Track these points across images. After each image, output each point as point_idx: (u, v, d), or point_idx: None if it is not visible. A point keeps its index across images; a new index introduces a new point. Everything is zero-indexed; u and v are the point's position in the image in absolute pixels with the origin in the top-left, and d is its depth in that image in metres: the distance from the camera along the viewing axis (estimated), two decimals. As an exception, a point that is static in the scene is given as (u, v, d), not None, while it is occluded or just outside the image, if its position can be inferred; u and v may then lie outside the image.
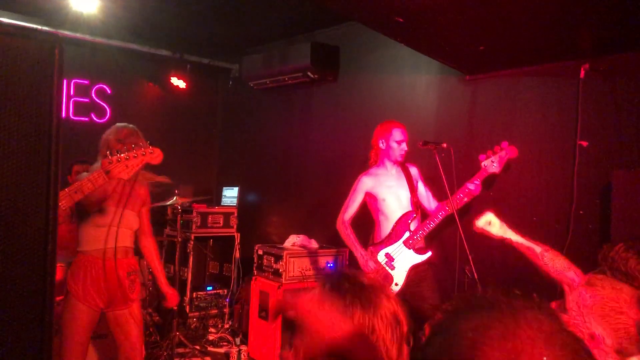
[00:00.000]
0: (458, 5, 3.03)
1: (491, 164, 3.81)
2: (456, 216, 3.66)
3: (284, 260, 4.87)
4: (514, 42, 3.64)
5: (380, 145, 4.04)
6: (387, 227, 4.01)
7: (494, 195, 4.23)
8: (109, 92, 6.39)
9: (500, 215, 4.17)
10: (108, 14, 5.15)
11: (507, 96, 4.26)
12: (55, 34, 1.00)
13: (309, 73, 5.52)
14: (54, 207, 0.96)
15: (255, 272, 5.24)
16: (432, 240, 4.25)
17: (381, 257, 3.94)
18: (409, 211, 3.97)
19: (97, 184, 2.51)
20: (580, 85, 3.78)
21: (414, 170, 4.13)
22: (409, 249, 3.90)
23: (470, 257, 3.54)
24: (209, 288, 6.16)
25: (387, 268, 3.91)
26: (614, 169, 3.41)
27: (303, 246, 5.19)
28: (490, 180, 3.95)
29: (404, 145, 3.98)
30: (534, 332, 0.69)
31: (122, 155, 2.53)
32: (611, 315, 1.93)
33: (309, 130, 6.03)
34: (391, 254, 3.92)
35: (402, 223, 3.95)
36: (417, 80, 4.93)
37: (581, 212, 3.75)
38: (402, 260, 3.90)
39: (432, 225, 3.88)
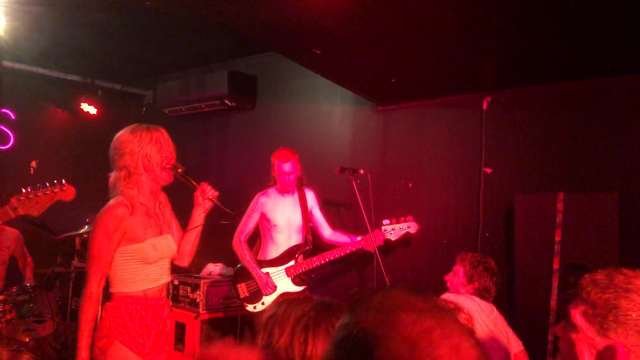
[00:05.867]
0: (371, 40, 3.20)
1: (390, 231, 4.01)
2: (376, 251, 3.79)
3: (202, 289, 4.78)
4: (422, 75, 3.88)
5: (272, 173, 4.09)
6: (272, 250, 4.08)
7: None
8: (13, 117, 6.07)
9: (412, 238, 4.38)
10: (15, 36, 4.93)
11: (417, 126, 4.50)
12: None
13: (226, 101, 5.54)
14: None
15: (170, 303, 5.09)
16: (349, 263, 4.35)
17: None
18: (302, 244, 4.07)
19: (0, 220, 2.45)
20: (483, 116, 4.07)
21: (310, 196, 4.17)
22: (288, 276, 4.01)
23: (387, 279, 3.66)
24: (120, 321, 5.89)
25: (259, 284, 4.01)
26: (516, 193, 3.68)
27: (221, 275, 5.13)
28: (386, 245, 4.11)
29: (285, 178, 3.98)
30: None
31: (31, 191, 2.45)
32: None
33: (226, 158, 6.02)
34: (271, 275, 4.01)
35: (291, 252, 4.04)
36: (333, 110, 5.08)
37: (487, 234, 4.00)
38: (277, 285, 3.99)
39: (318, 264, 3.99)
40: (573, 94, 3.72)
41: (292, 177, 3.99)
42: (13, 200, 2.43)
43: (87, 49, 5.64)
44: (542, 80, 3.77)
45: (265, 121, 5.65)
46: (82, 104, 6.24)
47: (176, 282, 5.07)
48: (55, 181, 2.50)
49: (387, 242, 4.04)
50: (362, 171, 4.01)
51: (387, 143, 4.68)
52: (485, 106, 4.05)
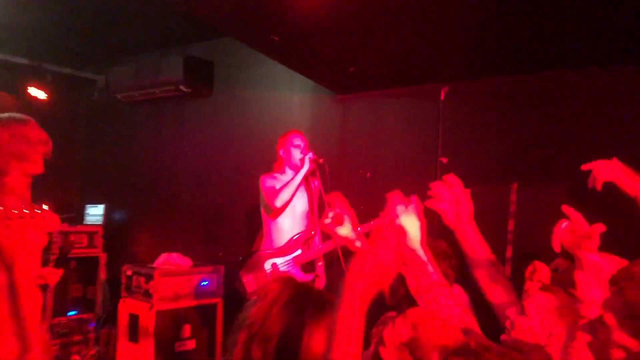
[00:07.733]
0: (330, 28, 3.16)
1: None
2: (337, 246, 3.73)
3: (155, 280, 4.67)
4: (381, 65, 3.87)
5: (281, 154, 4.02)
6: (277, 237, 3.96)
7: (364, 209, 4.41)
8: (-47, 101, 5.78)
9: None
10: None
11: (375, 115, 4.50)
12: None
13: (181, 87, 5.42)
14: None
15: (123, 293, 4.97)
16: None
17: (267, 265, 3.91)
18: (307, 231, 3.99)
19: None
20: (440, 107, 4.09)
21: (316, 184, 4.10)
22: (296, 266, 3.92)
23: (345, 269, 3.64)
24: (71, 313, 5.72)
25: (269, 277, 3.89)
26: (471, 183, 3.71)
27: (176, 265, 5.03)
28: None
29: (302, 149, 3.95)
30: None
31: (25, 211, 2.00)
32: None
33: (182, 145, 5.90)
34: (278, 266, 3.92)
35: (298, 241, 3.94)
36: (291, 98, 5.03)
37: (443, 225, 4.04)
38: None
39: (325, 251, 3.89)
40: (529, 86, 3.79)
41: (303, 149, 3.93)
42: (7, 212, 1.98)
43: (35, 31, 5.41)
44: (499, 72, 3.82)
45: (222, 108, 5.56)
46: (29, 88, 5.98)
47: (129, 273, 4.94)
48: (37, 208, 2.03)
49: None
50: (321, 160, 3.96)
51: (345, 132, 4.67)
52: (442, 96, 4.07)
